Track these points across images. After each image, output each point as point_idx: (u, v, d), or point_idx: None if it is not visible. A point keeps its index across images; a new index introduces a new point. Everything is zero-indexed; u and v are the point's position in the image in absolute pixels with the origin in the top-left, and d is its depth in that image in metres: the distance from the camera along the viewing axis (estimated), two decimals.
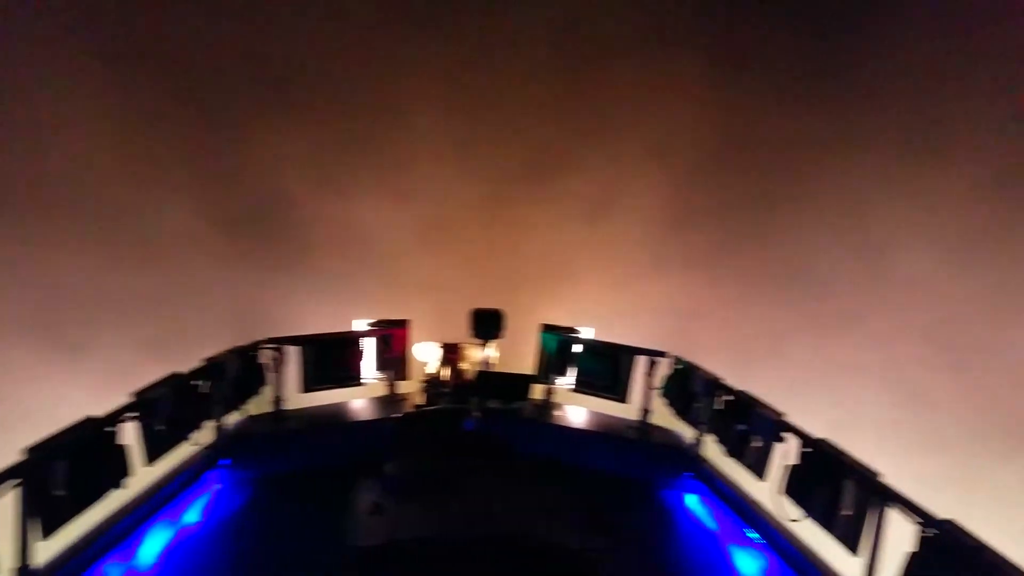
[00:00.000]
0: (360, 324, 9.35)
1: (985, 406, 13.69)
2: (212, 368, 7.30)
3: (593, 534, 6.95)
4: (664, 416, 8.77)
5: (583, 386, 9.46)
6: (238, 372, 7.70)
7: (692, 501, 7.89)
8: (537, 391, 9.38)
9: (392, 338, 9.29)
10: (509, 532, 6.78)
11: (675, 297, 15.26)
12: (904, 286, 14.35)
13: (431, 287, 14.52)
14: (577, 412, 9.36)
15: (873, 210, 14.63)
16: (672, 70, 14.94)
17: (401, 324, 9.47)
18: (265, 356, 8.16)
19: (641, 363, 8.89)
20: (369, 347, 9.16)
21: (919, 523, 4.83)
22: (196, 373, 7.10)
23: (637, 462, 8.48)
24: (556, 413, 9.30)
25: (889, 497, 5.17)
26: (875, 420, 13.18)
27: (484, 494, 7.49)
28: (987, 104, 13.63)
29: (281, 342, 8.25)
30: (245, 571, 6.17)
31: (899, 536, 5.08)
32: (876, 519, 5.27)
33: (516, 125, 15.17)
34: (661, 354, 8.71)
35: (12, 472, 4.67)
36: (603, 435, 8.77)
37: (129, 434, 6.01)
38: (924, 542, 4.76)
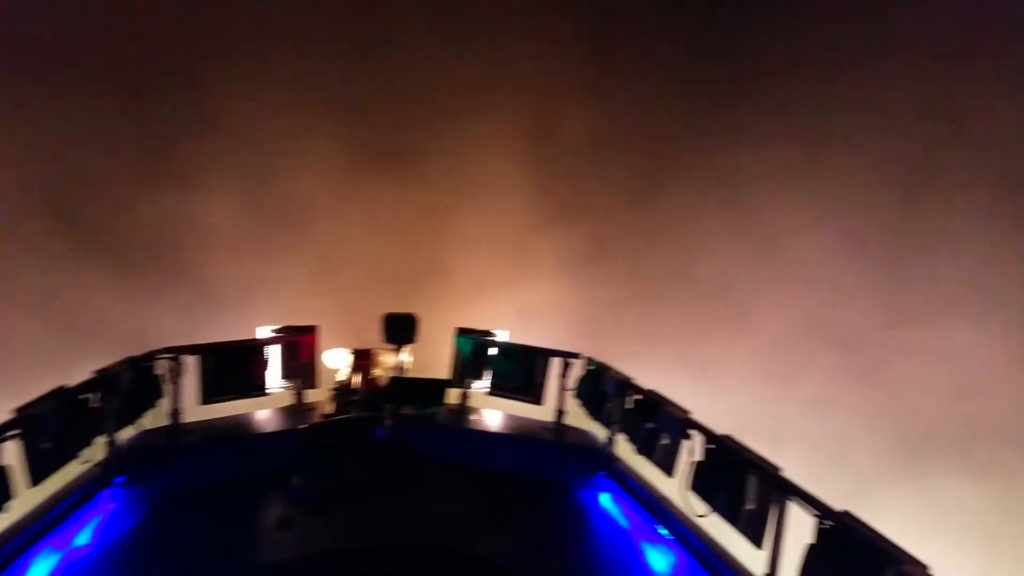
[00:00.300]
0: (264, 331, 9.01)
1: (886, 410, 14.10)
2: (103, 381, 6.89)
3: (506, 537, 6.92)
4: (578, 416, 8.83)
5: (498, 389, 9.44)
6: (131, 384, 7.29)
7: (605, 500, 7.96)
8: (452, 395, 9.27)
9: (299, 345, 9.00)
10: (422, 540, 6.68)
11: (554, 296, 14.97)
12: (800, 281, 14.68)
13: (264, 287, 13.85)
14: (493, 415, 9.30)
15: (765, 204, 14.84)
16: (548, 52, 14.43)
17: (309, 331, 9.18)
18: (161, 367, 7.76)
19: (555, 365, 8.92)
20: (274, 355, 8.84)
21: (817, 515, 4.98)
22: (85, 386, 6.69)
23: (552, 463, 8.51)
24: (472, 417, 9.22)
25: (789, 491, 5.32)
26: (775, 423, 13.38)
27: (396, 503, 7.35)
28: (876, 96, 14.16)
29: (178, 351, 7.86)
30: None
31: (801, 529, 5.23)
32: (777, 513, 5.41)
33: (374, 103, 14.53)
34: (575, 355, 8.76)
35: None
36: (518, 437, 8.76)
37: (11, 454, 5.61)
38: (822, 533, 4.91)
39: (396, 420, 8.47)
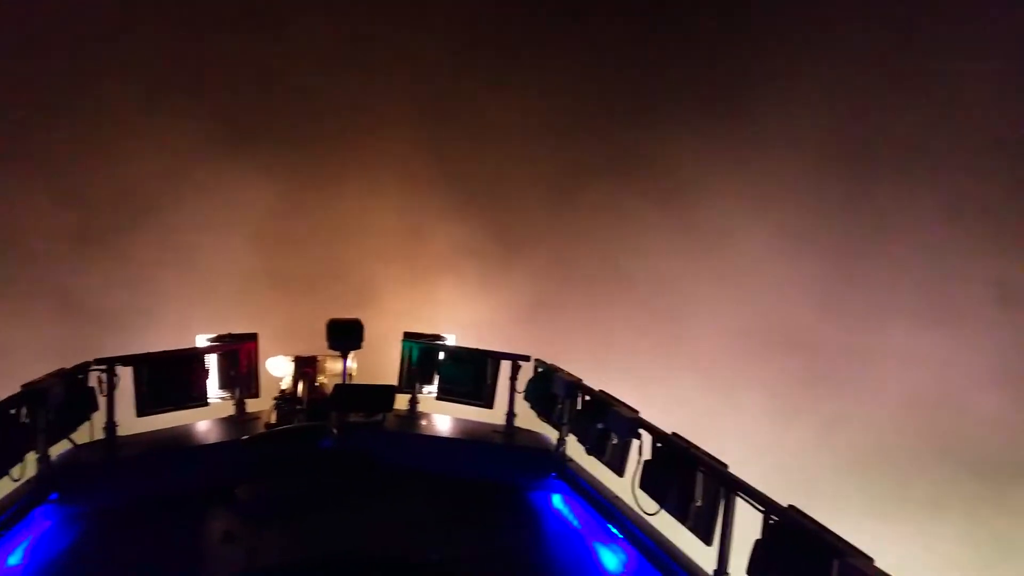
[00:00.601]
0: (202, 340, 8.75)
1: (839, 419, 13.80)
2: (32, 394, 6.57)
3: (458, 543, 6.86)
4: (529, 419, 8.81)
5: (447, 393, 9.40)
6: (63, 398, 6.97)
7: (557, 501, 7.96)
8: (400, 401, 9.16)
9: (239, 354, 8.77)
10: (371, 550, 6.57)
11: (468, 296, 14.37)
12: (742, 281, 14.48)
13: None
14: (442, 420, 9.24)
15: (705, 200, 14.50)
16: (448, 26, 13.64)
17: (249, 338, 8.97)
18: (94, 379, 7.46)
19: (504, 368, 8.89)
20: (214, 364, 8.60)
21: (763, 511, 5.04)
22: (13, 400, 6.37)
23: (504, 466, 8.46)
24: (421, 423, 9.14)
25: (736, 487, 5.38)
26: (718, 428, 12.79)
27: (344, 513, 7.23)
28: (817, 86, 14.10)
29: (112, 362, 7.56)
30: None
31: (749, 525, 5.28)
32: (725, 509, 5.47)
33: (237, 74, 13.42)
34: (525, 358, 8.75)
35: None
36: (469, 442, 8.73)
37: None
38: (769, 528, 4.98)
39: (343, 428, 8.31)
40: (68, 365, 7.25)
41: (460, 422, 9.22)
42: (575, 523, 7.49)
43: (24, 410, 6.48)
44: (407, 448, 8.63)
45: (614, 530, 6.90)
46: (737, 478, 5.40)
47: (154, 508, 7.17)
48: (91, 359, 7.46)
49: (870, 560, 4.06)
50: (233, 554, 6.53)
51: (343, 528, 6.96)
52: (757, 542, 5.03)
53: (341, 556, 6.41)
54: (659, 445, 6.26)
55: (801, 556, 4.63)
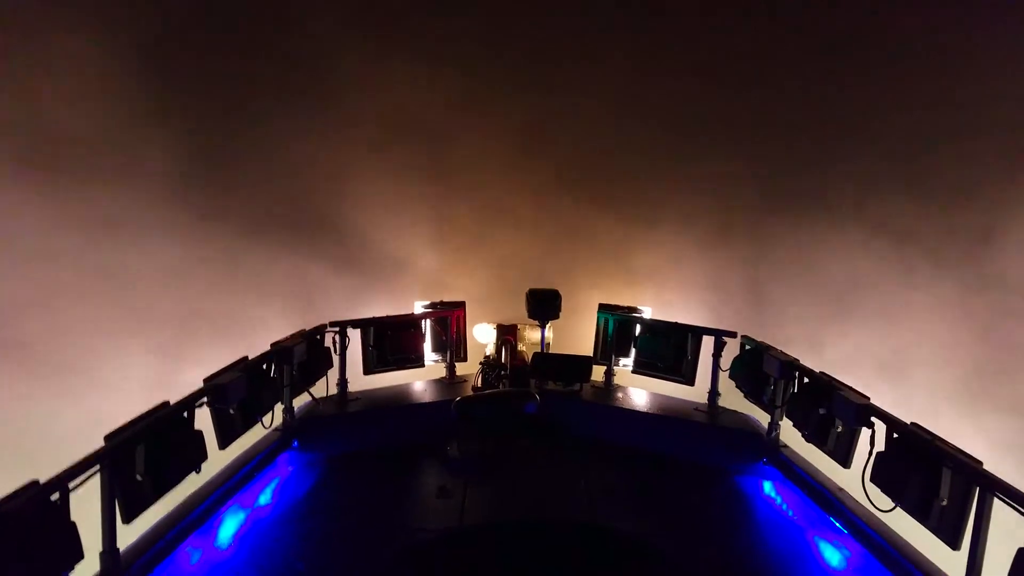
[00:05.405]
0: (418, 306, 9.28)
1: None
2: (279, 352, 7.26)
3: (662, 517, 6.82)
4: (734, 399, 8.51)
5: (645, 367, 9.28)
6: (304, 355, 7.65)
7: (768, 488, 7.63)
8: (596, 373, 9.19)
9: (449, 320, 9.19)
10: (573, 516, 6.69)
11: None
12: None
13: None
14: (639, 394, 9.16)
15: None
16: None
17: (458, 306, 9.37)
18: (329, 339, 8.13)
19: (707, 344, 8.63)
20: (428, 329, 9.09)
21: None
22: (264, 357, 7.06)
23: (707, 446, 8.20)
24: (617, 395, 9.12)
25: (994, 488, 4.87)
26: None
27: (543, 479, 7.42)
28: None
29: (344, 325, 8.21)
30: (315, 551, 6.12)
31: (1007, 530, 4.79)
32: (978, 511, 4.98)
33: None
34: (731, 334, 8.44)
35: (94, 459, 4.66)
36: (669, 418, 8.53)
37: (203, 419, 5.97)
38: None
39: (541, 396, 8.49)
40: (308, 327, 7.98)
41: (658, 397, 9.08)
42: (789, 512, 7.14)
43: (272, 366, 7.18)
44: (603, 420, 8.65)
45: (837, 524, 6.50)
46: (996, 478, 4.88)
47: (377, 458, 7.75)
48: (326, 322, 8.14)
49: None
50: (447, 508, 6.90)
51: (542, 494, 7.14)
52: (1021, 551, 4.54)
53: (542, 519, 6.58)
54: (895, 436, 5.80)
55: None
